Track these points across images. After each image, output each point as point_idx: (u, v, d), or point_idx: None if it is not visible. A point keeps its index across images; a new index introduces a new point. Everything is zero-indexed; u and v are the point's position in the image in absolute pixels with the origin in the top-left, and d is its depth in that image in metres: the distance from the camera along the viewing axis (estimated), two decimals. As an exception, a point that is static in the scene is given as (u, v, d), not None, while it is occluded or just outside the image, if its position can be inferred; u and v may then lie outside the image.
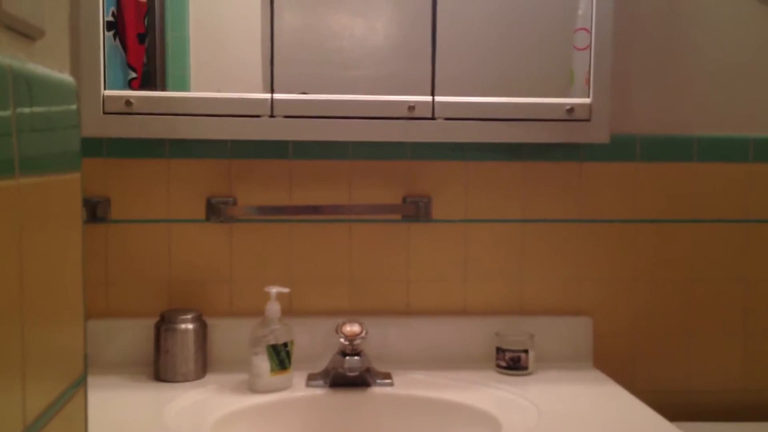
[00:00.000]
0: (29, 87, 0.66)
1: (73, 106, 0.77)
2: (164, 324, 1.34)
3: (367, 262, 1.45)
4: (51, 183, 0.70)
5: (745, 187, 1.51)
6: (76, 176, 0.78)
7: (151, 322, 1.36)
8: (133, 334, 1.39)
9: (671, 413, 1.24)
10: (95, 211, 1.38)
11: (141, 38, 1.38)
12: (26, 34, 0.68)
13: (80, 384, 0.70)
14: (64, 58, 0.79)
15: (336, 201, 1.43)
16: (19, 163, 0.62)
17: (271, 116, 1.34)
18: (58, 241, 0.68)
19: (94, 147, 1.38)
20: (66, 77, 0.77)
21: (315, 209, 1.42)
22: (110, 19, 1.34)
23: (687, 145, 1.50)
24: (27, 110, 0.64)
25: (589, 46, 1.39)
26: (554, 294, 1.48)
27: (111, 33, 1.35)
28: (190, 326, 1.34)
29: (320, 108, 1.35)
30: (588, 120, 1.39)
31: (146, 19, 1.38)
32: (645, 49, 1.50)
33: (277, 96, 1.34)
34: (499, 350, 1.40)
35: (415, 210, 1.44)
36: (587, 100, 1.39)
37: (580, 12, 1.41)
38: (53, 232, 0.68)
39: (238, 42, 1.40)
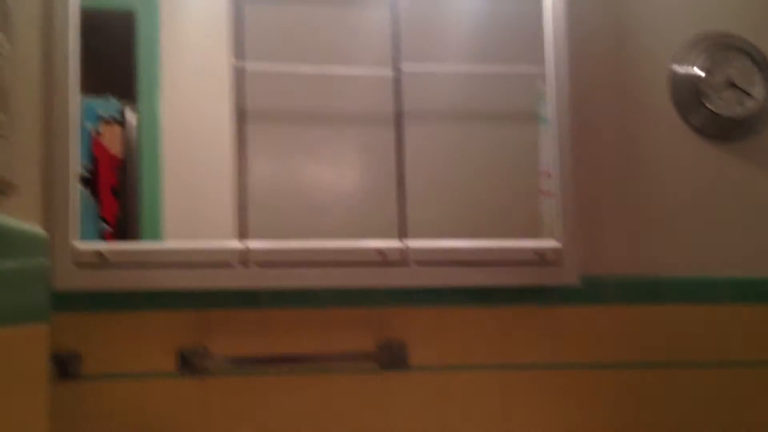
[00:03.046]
0: (0, 239, 0.67)
1: (44, 258, 0.77)
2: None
3: (345, 416, 1.41)
4: (18, 335, 0.69)
5: (717, 328, 1.52)
6: (44, 328, 0.77)
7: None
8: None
9: None
10: (66, 366, 1.35)
11: (115, 192, 1.39)
12: (-1, 189, 0.69)
13: None
14: (36, 211, 0.80)
15: (310, 350, 1.41)
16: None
17: (244, 265, 1.34)
18: (24, 396, 0.67)
19: (65, 301, 1.36)
20: (37, 230, 0.77)
21: (290, 359, 1.40)
22: (84, 173, 1.36)
23: (657, 286, 1.52)
24: (-3, 265, 0.64)
25: (553, 191, 1.43)
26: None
27: (85, 187, 1.36)
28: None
29: (292, 255, 1.35)
30: (558, 263, 1.41)
31: (120, 173, 1.40)
32: (609, 191, 1.54)
33: (249, 244, 1.35)
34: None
35: (391, 357, 1.42)
36: (555, 243, 1.41)
37: (542, 158, 1.46)
38: (19, 386, 0.67)
39: (211, 191, 1.42)
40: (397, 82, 1.44)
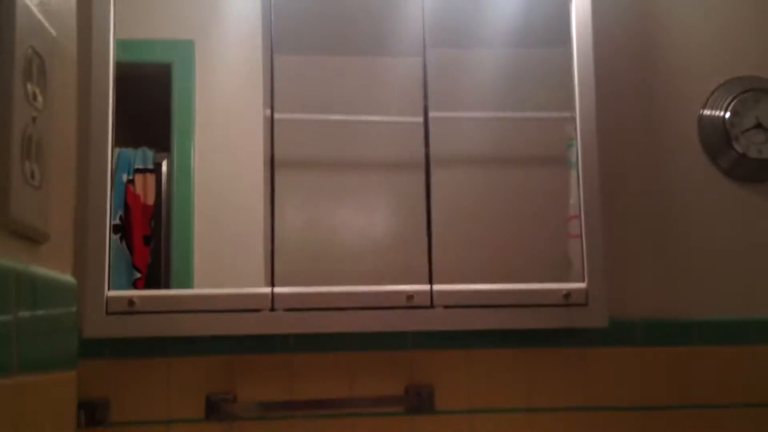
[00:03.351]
0: (32, 288, 0.69)
1: (73, 306, 0.79)
2: None
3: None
4: (48, 382, 0.70)
5: (747, 370, 1.50)
6: (72, 375, 0.79)
7: None
8: None
9: None
10: (94, 413, 1.36)
11: (147, 240, 1.42)
12: (32, 238, 0.72)
13: None
14: (67, 259, 0.82)
15: (338, 394, 1.42)
16: (18, 363, 0.63)
17: (272, 310, 1.36)
18: (51, 441, 0.68)
19: (95, 348, 1.39)
20: (68, 278, 0.80)
21: (317, 404, 1.41)
22: (117, 222, 1.39)
23: (686, 328, 1.50)
24: (28, 313, 0.66)
25: (581, 233, 1.43)
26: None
27: (118, 236, 1.39)
28: None
29: (320, 300, 1.37)
30: (585, 305, 1.41)
31: (152, 222, 1.43)
32: (637, 234, 1.54)
33: (277, 290, 1.36)
34: None
35: (418, 401, 1.42)
36: (583, 285, 1.41)
37: (571, 201, 1.47)
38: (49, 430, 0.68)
39: (241, 238, 1.44)
40: (426, 128, 1.46)
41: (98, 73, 1.38)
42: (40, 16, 0.75)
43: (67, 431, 0.74)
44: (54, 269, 0.76)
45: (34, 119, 0.72)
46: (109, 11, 1.39)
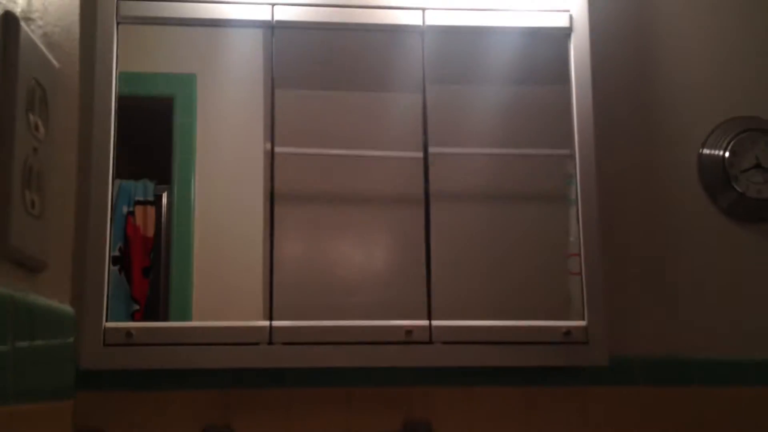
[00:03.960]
0: (30, 317, 0.69)
1: (71, 336, 0.79)
2: None
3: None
4: (44, 411, 0.70)
5: (747, 411, 1.49)
6: (69, 405, 0.78)
7: None
8: None
9: None
10: (89, 445, 1.35)
11: (146, 272, 1.42)
12: (31, 267, 0.72)
13: None
14: (65, 289, 0.82)
15: (335, 429, 1.41)
16: (14, 392, 0.63)
17: (270, 343, 1.35)
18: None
19: (92, 379, 1.38)
20: (66, 308, 0.79)
21: (313, 439, 1.39)
22: (116, 254, 1.39)
23: (686, 368, 1.50)
24: (25, 341, 0.66)
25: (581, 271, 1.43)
26: None
27: (117, 267, 1.39)
28: None
29: (318, 334, 1.36)
30: (585, 343, 1.40)
31: (152, 254, 1.43)
32: (637, 272, 1.53)
33: (275, 323, 1.36)
34: None
35: (416, 437, 1.41)
36: (583, 323, 1.41)
37: (571, 239, 1.47)
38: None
39: (240, 271, 1.44)
40: (426, 163, 1.46)
41: (100, 105, 1.39)
42: (43, 48, 0.76)
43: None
44: (52, 298, 0.76)
45: (35, 149, 0.73)
46: (112, 44, 1.41)
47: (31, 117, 0.72)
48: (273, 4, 1.46)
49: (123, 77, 1.42)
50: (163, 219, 1.44)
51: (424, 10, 1.48)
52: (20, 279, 0.69)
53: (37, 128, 0.73)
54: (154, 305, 1.42)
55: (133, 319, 1.39)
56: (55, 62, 0.79)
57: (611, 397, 1.47)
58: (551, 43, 1.52)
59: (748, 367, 1.51)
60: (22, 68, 0.70)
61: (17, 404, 0.63)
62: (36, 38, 0.75)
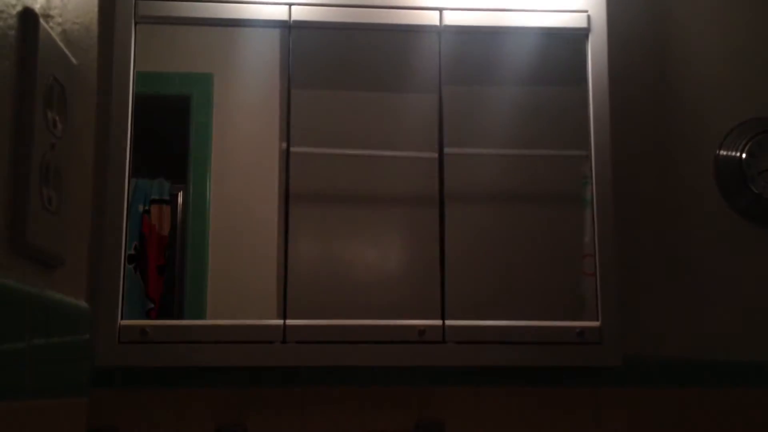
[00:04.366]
0: (46, 314, 0.69)
1: (86, 332, 0.79)
2: None
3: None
4: (58, 407, 0.71)
5: (763, 413, 1.48)
6: (84, 402, 0.79)
7: None
8: None
9: None
10: (103, 441, 1.36)
11: (161, 270, 1.43)
12: (47, 263, 0.72)
13: None
14: (81, 285, 0.83)
15: (348, 428, 1.41)
16: (29, 388, 0.63)
17: (284, 342, 1.36)
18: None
19: (106, 377, 1.39)
20: (81, 304, 0.80)
21: (327, 438, 1.40)
22: (132, 252, 1.40)
23: (701, 369, 1.49)
24: (41, 338, 0.66)
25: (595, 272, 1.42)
26: None
27: (132, 265, 1.40)
28: None
29: (332, 333, 1.37)
30: (599, 343, 1.39)
31: (167, 252, 1.43)
32: (652, 272, 1.53)
33: (289, 322, 1.36)
34: None
35: (429, 437, 1.41)
36: (597, 323, 1.40)
37: (586, 239, 1.46)
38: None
39: (255, 270, 1.45)
40: (441, 164, 1.46)
41: (118, 104, 1.40)
42: (62, 45, 0.77)
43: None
44: (69, 295, 0.77)
45: (53, 146, 0.73)
46: (129, 44, 1.42)
47: (49, 114, 0.72)
48: (290, 4, 1.46)
49: (140, 76, 1.43)
50: (179, 218, 1.45)
51: (441, 10, 1.48)
52: (36, 275, 0.69)
53: (55, 125, 0.73)
54: (169, 303, 1.43)
55: (148, 317, 1.40)
56: (73, 59, 0.79)
57: (625, 397, 1.46)
58: (569, 43, 1.52)
59: (765, 369, 1.50)
60: (41, 65, 0.70)
61: (33, 400, 0.64)
62: (55, 35, 0.75)
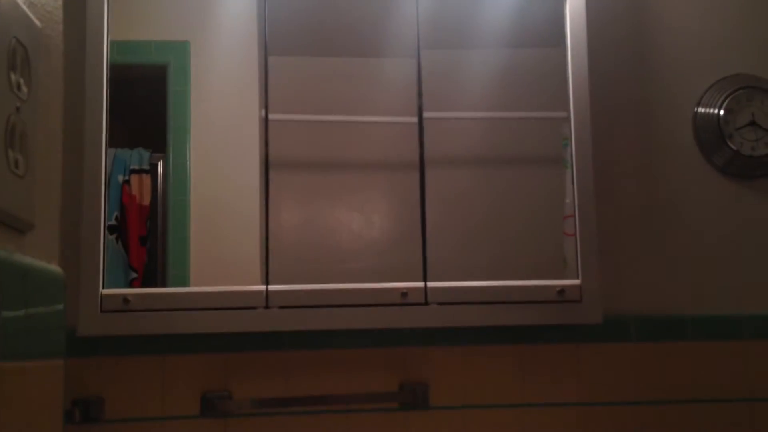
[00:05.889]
0: (16, 276, 0.69)
1: (59, 297, 0.79)
2: None
3: (367, 455, 1.42)
4: (34, 369, 0.71)
5: (741, 365, 1.50)
6: (59, 363, 0.79)
7: None
8: None
9: None
10: (88, 411, 1.37)
11: (143, 240, 1.43)
12: (16, 227, 0.72)
13: None
14: (53, 249, 0.83)
15: (333, 391, 1.42)
16: (2, 349, 0.63)
17: (267, 307, 1.36)
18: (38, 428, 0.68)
19: (89, 346, 1.39)
20: (53, 267, 0.80)
21: (311, 401, 1.41)
22: (113, 222, 1.40)
23: (680, 324, 1.50)
24: (12, 300, 0.66)
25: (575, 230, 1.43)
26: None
27: (114, 236, 1.40)
28: None
29: (314, 297, 1.37)
30: (579, 301, 1.41)
31: (148, 222, 1.43)
32: (632, 231, 1.54)
33: (272, 287, 1.37)
34: None
35: (413, 397, 1.42)
36: (577, 282, 1.41)
37: (567, 200, 1.47)
38: (33, 422, 0.68)
39: (237, 238, 1.44)
40: (421, 128, 1.46)
41: (92, 73, 1.38)
42: (24, 7, 0.76)
43: (55, 422, 0.74)
44: (40, 258, 0.77)
45: (18, 109, 0.73)
46: (103, 12, 1.40)
47: (13, 76, 0.72)
48: (263, -31, 1.45)
49: (116, 45, 1.42)
50: (159, 187, 1.44)
51: (416, -28, 1.47)
52: (5, 239, 0.69)
53: (19, 87, 0.73)
54: (152, 273, 1.43)
55: (131, 287, 1.40)
56: (37, 21, 0.78)
57: (605, 353, 1.48)
58: (547, 4, 1.51)
59: (742, 322, 1.51)
60: (2, 26, 0.70)
61: (6, 361, 0.64)
62: (16, -3, 0.74)
